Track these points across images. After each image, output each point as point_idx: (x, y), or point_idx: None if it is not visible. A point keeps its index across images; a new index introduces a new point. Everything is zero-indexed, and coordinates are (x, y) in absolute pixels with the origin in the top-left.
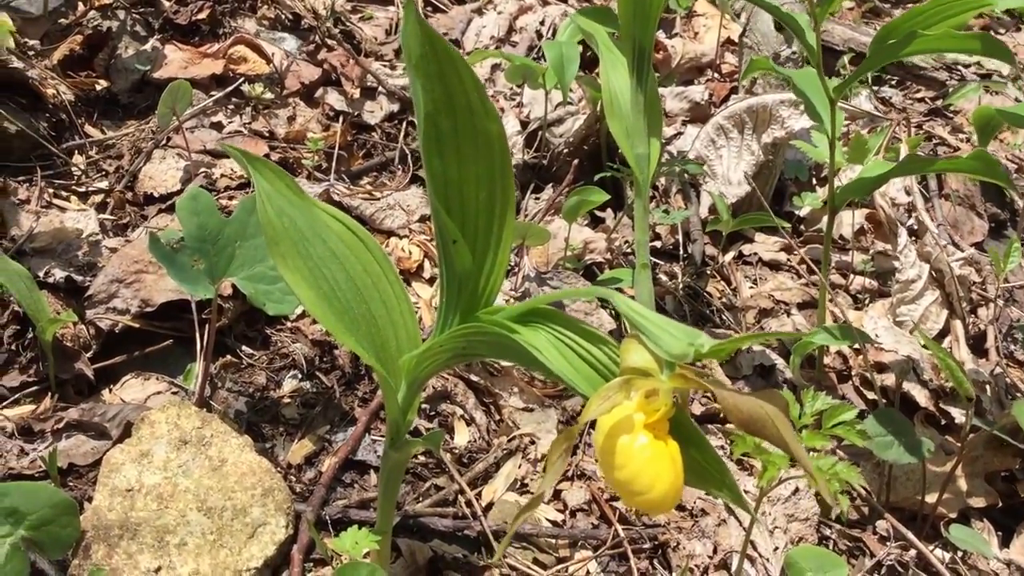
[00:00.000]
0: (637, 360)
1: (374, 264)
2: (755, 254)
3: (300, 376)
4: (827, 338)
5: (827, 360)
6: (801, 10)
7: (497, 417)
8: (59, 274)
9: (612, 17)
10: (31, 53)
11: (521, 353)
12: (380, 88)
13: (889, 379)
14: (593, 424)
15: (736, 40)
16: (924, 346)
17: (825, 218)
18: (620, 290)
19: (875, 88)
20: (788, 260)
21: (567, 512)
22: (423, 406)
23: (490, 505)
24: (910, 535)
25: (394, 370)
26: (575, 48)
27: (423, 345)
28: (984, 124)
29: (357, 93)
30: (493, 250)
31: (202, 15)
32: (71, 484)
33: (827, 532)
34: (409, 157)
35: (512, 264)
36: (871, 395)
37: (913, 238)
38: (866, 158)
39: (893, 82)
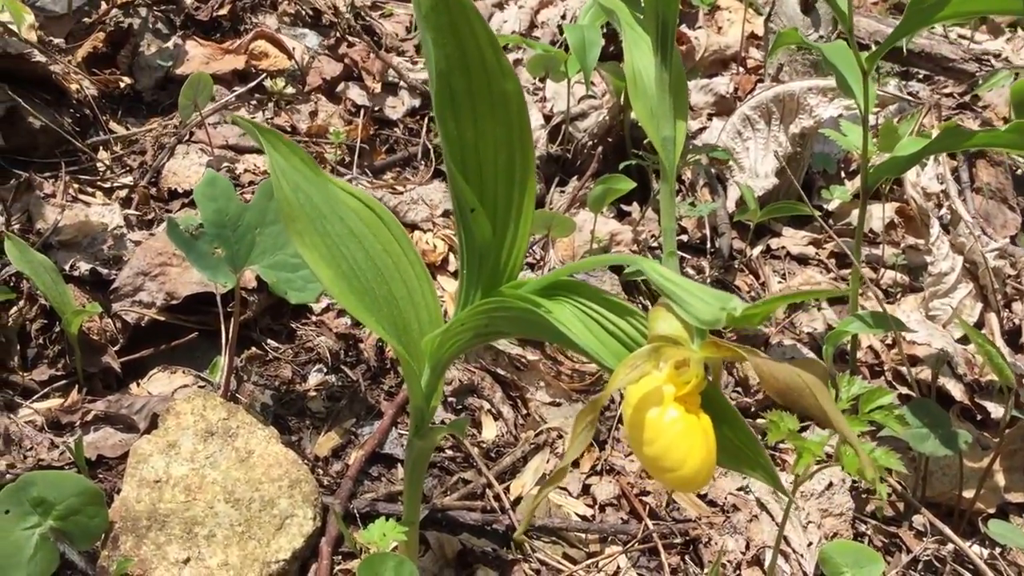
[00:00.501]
0: (666, 328)
1: (394, 243)
2: (783, 248)
3: (325, 370)
4: (861, 326)
5: (859, 355)
6: None
7: (524, 411)
8: (84, 267)
9: (633, 1)
10: (56, 51)
11: (546, 327)
12: (401, 83)
13: (922, 373)
14: (621, 411)
15: (760, 34)
16: (959, 339)
17: (854, 212)
18: (646, 283)
19: (903, 82)
20: (817, 254)
21: (596, 507)
22: (450, 400)
23: (518, 499)
24: (947, 530)
25: (416, 353)
26: (597, 31)
27: (445, 324)
28: (1021, 99)
29: (379, 88)
30: (514, 220)
31: (223, 11)
32: (100, 476)
33: (862, 528)
34: (432, 152)
35: (538, 257)
36: (904, 390)
37: (945, 230)
38: (896, 145)
39: (920, 76)
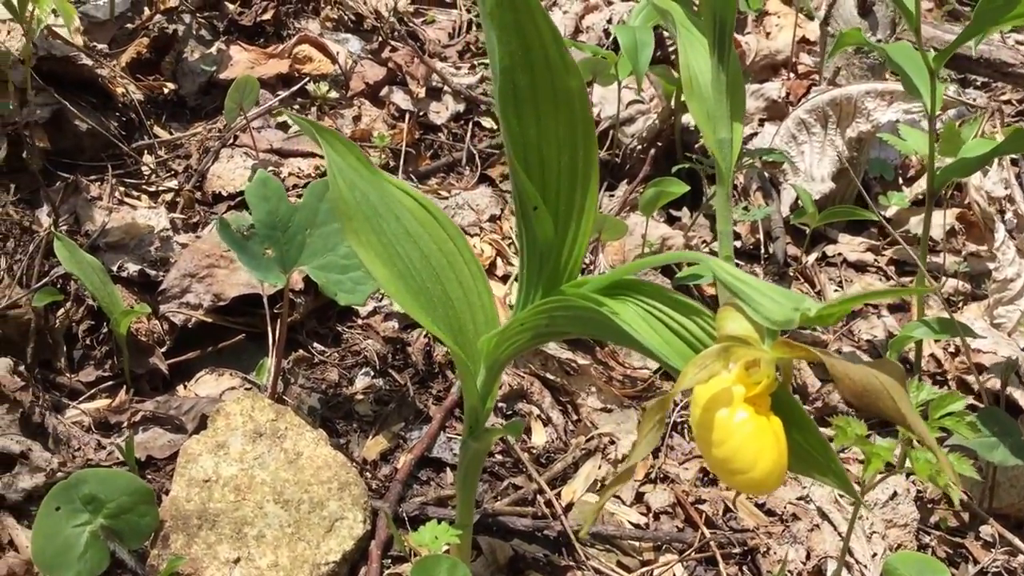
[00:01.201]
0: (736, 328)
1: (448, 243)
2: (839, 254)
3: (372, 373)
4: (927, 332)
5: (921, 363)
6: None
7: (575, 417)
8: (132, 268)
9: (687, 2)
10: (100, 56)
11: (609, 327)
12: (446, 88)
13: (988, 382)
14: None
15: (810, 39)
16: None
17: (913, 219)
18: (699, 288)
19: (961, 89)
20: (875, 261)
21: (651, 515)
22: (499, 405)
23: (570, 505)
24: (1017, 541)
25: (472, 353)
26: (649, 32)
27: (504, 324)
28: None
29: (422, 93)
30: (576, 219)
31: (266, 16)
32: (149, 476)
33: (926, 539)
34: (477, 157)
35: (587, 261)
36: (969, 399)
37: (1011, 235)
38: (959, 149)
39: (978, 83)
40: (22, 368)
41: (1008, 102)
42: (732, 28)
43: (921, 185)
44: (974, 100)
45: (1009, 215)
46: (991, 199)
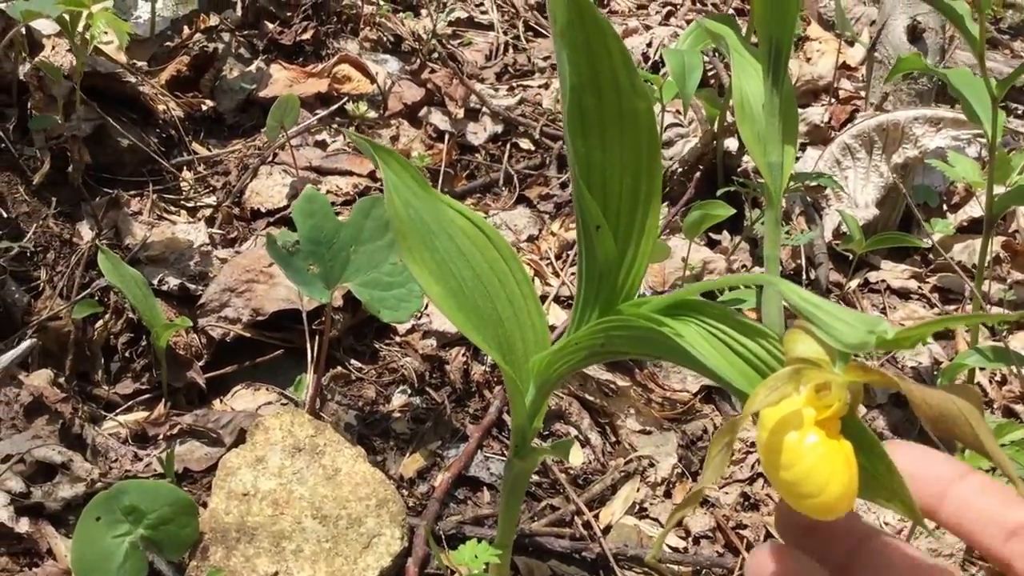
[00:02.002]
0: (806, 351)
1: (501, 262)
2: (883, 281)
3: (410, 391)
4: (980, 360)
5: None
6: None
7: (613, 439)
8: (173, 282)
9: (736, 27)
10: (140, 73)
11: (669, 347)
12: (484, 109)
13: None
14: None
15: (852, 65)
16: None
17: (957, 245)
18: (740, 310)
19: (1007, 117)
20: (919, 288)
21: (690, 539)
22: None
23: (608, 528)
24: None
25: (522, 371)
26: (698, 56)
27: (558, 343)
28: None
29: (461, 113)
30: (636, 240)
31: (306, 36)
32: (186, 489)
33: (972, 570)
34: (515, 178)
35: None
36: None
37: None
38: (1009, 177)
39: (1020, 111)
40: (61, 380)
41: None
42: (789, 51)
43: (966, 212)
44: (1016, 128)
45: None
46: None
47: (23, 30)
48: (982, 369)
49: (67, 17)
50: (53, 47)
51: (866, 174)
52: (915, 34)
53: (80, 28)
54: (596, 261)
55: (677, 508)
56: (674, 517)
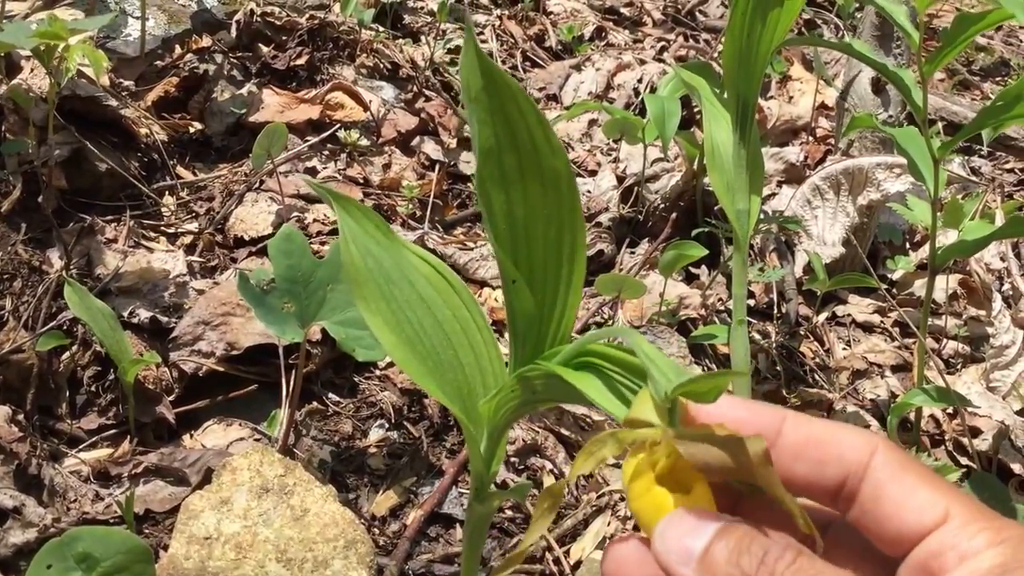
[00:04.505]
0: (636, 411)
1: (463, 309)
2: (849, 315)
3: (387, 425)
4: (925, 399)
5: (921, 423)
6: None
7: (587, 473)
8: (144, 314)
9: (712, 74)
10: (125, 94)
11: (576, 395)
12: None
13: (983, 444)
14: None
15: (830, 104)
16: (1018, 411)
17: (917, 282)
18: (713, 347)
19: (966, 158)
20: (882, 322)
21: None
22: (512, 459)
23: (578, 563)
24: None
25: (477, 417)
26: (676, 103)
27: (495, 391)
28: None
29: (454, 143)
30: (564, 291)
31: (300, 61)
32: (147, 531)
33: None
34: None
35: (606, 317)
36: (964, 460)
37: (1007, 304)
38: (961, 222)
39: (983, 152)
40: (20, 417)
41: (1011, 170)
42: (755, 108)
43: (927, 250)
44: (980, 168)
45: (1006, 286)
46: (990, 270)
47: None
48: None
49: (43, 48)
50: (32, 69)
51: (834, 214)
52: (879, 86)
53: (56, 58)
54: (516, 313)
55: (499, 567)
56: (501, 572)
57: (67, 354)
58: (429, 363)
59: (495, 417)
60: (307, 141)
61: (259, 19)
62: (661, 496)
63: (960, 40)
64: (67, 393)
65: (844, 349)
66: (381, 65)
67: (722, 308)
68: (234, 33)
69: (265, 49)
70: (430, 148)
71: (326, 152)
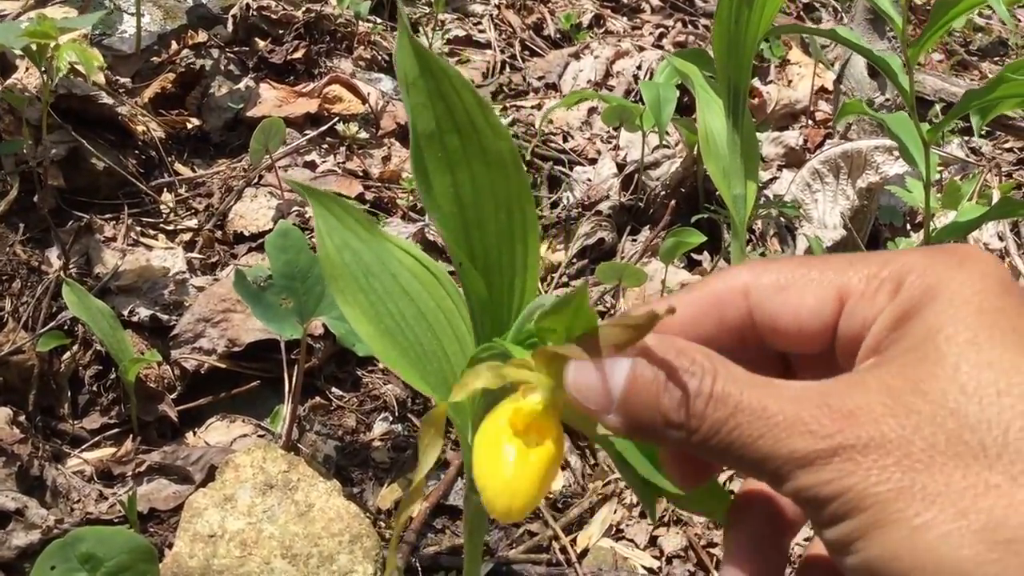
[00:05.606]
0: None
1: (447, 300)
2: None
3: (391, 419)
4: None
5: None
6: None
7: (592, 461)
8: (144, 313)
9: (708, 60)
10: (121, 91)
11: None
12: None
13: None
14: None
15: (829, 88)
16: None
17: None
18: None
19: (965, 138)
20: None
21: (663, 559)
22: None
23: (585, 551)
24: None
25: (460, 406)
26: (672, 89)
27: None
28: None
29: None
30: (521, 274)
31: (297, 54)
32: (151, 530)
33: None
34: None
35: (609, 305)
36: None
37: None
38: (959, 203)
39: (982, 132)
40: (22, 418)
41: (1010, 149)
42: (746, 94)
43: None
44: (979, 147)
45: (1004, 265)
46: (988, 249)
47: None
48: None
49: (34, 48)
50: (27, 69)
51: (834, 197)
52: (875, 69)
53: (48, 57)
54: (470, 296)
55: (403, 505)
56: (403, 513)
57: (68, 354)
58: (411, 353)
59: (474, 404)
60: (306, 135)
61: (255, 13)
62: (506, 437)
63: (940, 23)
64: (68, 393)
65: None
66: (379, 57)
67: None
68: (230, 28)
69: (262, 43)
70: None
71: (325, 146)
